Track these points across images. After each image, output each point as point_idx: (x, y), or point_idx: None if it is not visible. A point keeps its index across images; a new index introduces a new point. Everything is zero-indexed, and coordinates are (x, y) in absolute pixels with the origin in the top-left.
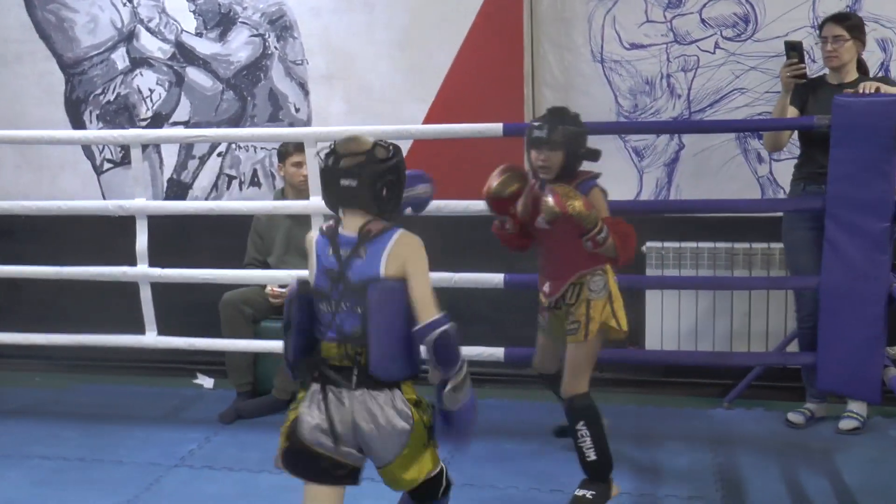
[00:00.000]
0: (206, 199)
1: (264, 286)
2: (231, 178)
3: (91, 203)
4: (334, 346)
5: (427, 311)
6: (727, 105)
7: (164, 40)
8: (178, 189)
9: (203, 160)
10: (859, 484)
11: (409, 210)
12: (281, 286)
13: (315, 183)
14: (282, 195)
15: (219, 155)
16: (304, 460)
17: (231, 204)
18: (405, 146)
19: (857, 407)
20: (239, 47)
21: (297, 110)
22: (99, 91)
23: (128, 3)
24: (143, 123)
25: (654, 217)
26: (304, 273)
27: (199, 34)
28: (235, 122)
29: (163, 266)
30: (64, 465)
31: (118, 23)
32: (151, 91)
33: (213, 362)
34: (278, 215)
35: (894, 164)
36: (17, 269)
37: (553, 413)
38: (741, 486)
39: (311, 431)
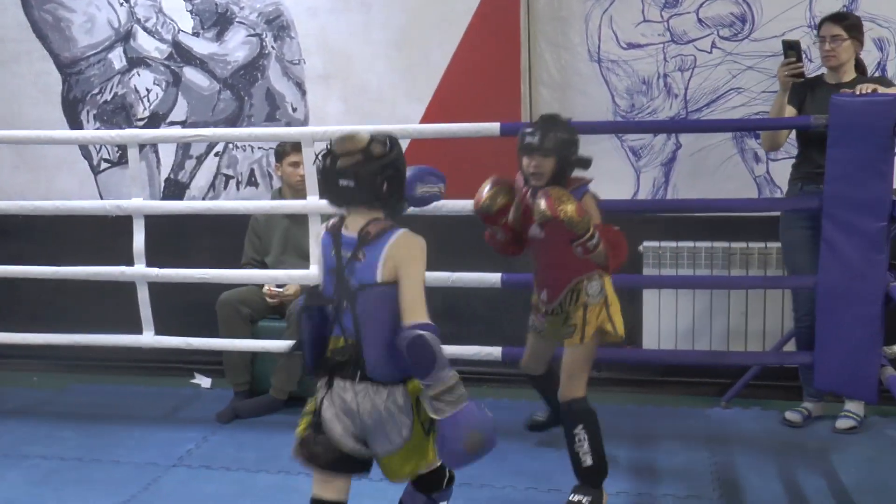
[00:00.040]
0: (204, 198)
1: (261, 286)
2: (228, 177)
3: (88, 203)
4: (340, 339)
5: (411, 315)
6: (724, 105)
7: (161, 40)
8: (175, 189)
9: (200, 160)
10: (856, 483)
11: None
12: (278, 286)
13: (312, 183)
14: (279, 195)
15: (216, 155)
16: (320, 449)
17: (228, 204)
18: (403, 146)
19: (854, 406)
20: (236, 47)
21: (294, 110)
22: (96, 91)
23: (125, 3)
24: (140, 123)
25: (651, 216)
26: (301, 273)
27: (195, 34)
28: (232, 121)
29: (160, 266)
30: (61, 465)
31: (115, 22)
32: (148, 91)
33: (210, 362)
34: (276, 215)
35: (891, 163)
36: (14, 268)
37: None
38: (738, 485)
39: (328, 421)
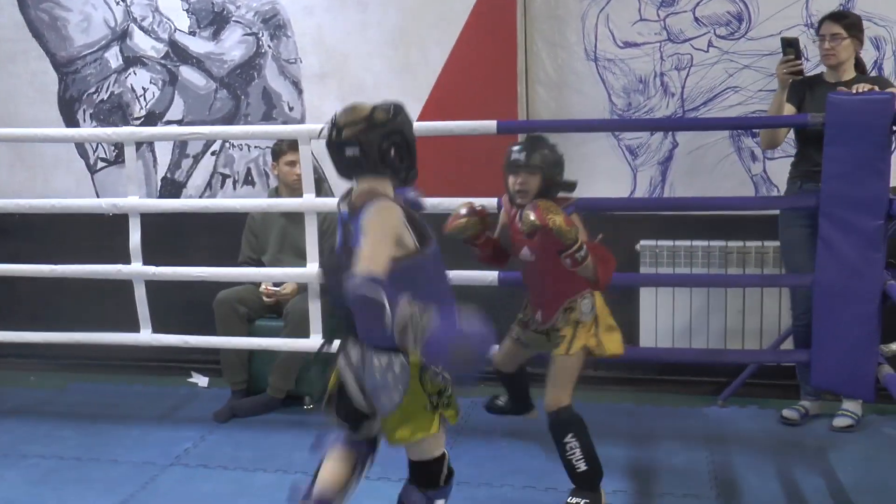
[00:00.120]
0: (200, 197)
1: (258, 285)
2: (225, 176)
3: (85, 201)
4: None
5: (360, 266)
6: (721, 103)
7: (158, 39)
8: (172, 188)
9: (197, 159)
10: (854, 481)
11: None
12: (275, 285)
13: (309, 182)
14: (276, 194)
15: (213, 154)
16: (344, 405)
17: (225, 202)
18: None
19: (852, 405)
20: (232, 46)
21: (291, 109)
22: (92, 90)
23: (121, 2)
24: (137, 122)
25: (648, 215)
26: (298, 271)
27: (192, 33)
28: (229, 120)
29: (157, 264)
30: (60, 464)
31: (111, 22)
32: (145, 90)
33: (207, 361)
34: (272, 214)
35: (888, 162)
36: (11, 267)
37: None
38: (736, 483)
39: (342, 370)
